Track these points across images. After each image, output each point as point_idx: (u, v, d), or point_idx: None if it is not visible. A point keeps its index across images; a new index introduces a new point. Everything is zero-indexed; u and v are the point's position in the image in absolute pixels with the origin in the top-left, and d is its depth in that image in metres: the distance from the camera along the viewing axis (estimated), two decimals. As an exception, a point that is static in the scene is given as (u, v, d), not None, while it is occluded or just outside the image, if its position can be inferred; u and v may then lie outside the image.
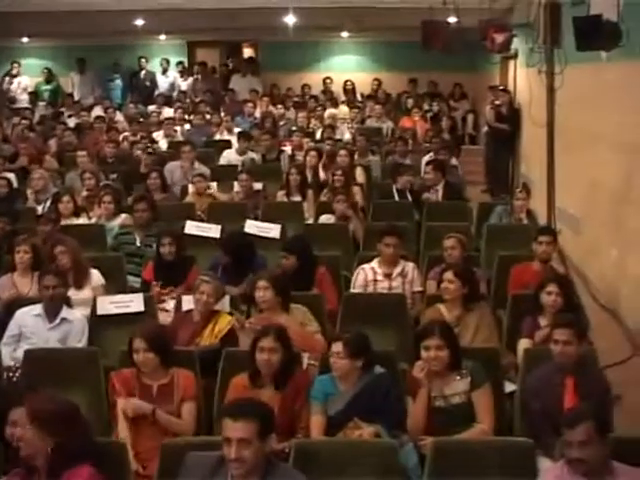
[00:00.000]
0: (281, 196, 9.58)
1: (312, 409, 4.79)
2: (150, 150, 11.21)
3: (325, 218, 8.54)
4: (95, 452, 3.91)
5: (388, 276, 6.80)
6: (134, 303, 6.29)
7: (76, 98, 16.67)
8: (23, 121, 13.81)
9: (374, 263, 6.88)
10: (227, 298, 6.15)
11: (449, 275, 5.89)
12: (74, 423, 3.87)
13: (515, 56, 13.73)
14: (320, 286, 6.71)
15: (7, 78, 17.37)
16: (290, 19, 14.61)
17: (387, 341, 5.96)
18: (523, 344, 5.65)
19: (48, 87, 17.28)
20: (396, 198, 9.46)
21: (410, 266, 6.92)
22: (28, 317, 6.05)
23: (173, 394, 4.89)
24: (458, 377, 4.77)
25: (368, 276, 6.82)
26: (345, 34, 17.76)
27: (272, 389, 4.83)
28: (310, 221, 8.88)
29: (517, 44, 11.99)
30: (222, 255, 7.04)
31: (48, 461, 3.75)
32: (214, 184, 9.82)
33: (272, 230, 7.95)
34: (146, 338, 4.88)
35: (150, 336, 4.91)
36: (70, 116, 14.97)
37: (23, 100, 16.92)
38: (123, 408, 4.77)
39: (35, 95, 16.89)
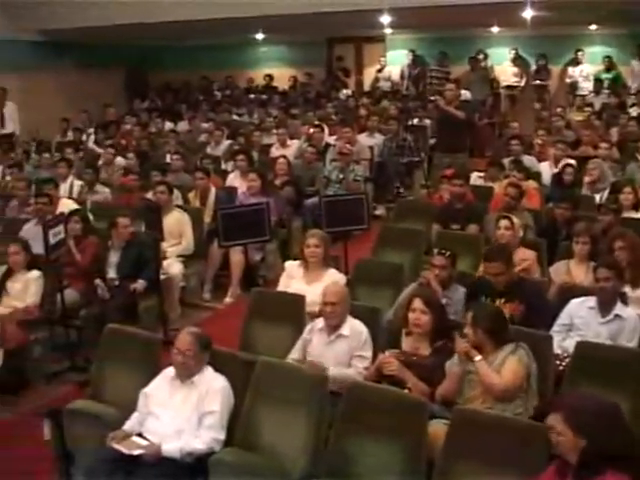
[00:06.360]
0: None
1: None
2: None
3: None
4: (635, 462, 3.55)
5: None
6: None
7: (632, 87, 16.48)
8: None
9: None
10: None
11: None
12: (611, 425, 3.59)
13: None
14: None
15: (570, 66, 17.69)
16: None
17: None
18: None
19: (608, 75, 17.23)
20: None
21: None
22: (582, 308, 5.90)
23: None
24: None
25: None
26: None
27: None
28: None
29: None
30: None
31: (579, 460, 3.57)
32: None
33: None
34: None
35: None
36: (632, 105, 14.74)
37: (585, 88, 17.07)
38: None
39: (599, 83, 16.86)
